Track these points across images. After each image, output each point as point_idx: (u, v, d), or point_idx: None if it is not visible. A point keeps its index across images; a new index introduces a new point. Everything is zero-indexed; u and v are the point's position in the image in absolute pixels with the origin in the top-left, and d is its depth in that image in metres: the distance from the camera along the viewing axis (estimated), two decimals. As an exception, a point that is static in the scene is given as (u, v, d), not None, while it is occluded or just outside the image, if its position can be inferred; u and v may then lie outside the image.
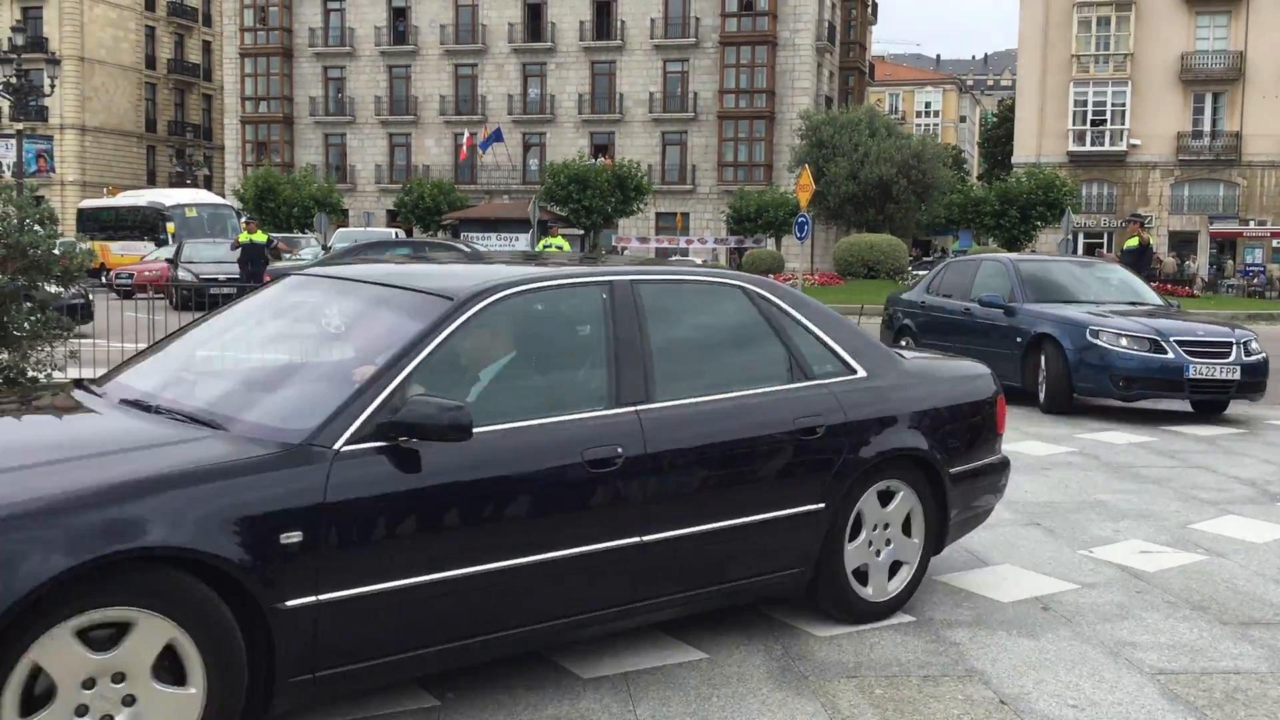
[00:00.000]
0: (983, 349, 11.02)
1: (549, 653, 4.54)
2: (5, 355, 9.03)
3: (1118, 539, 6.49)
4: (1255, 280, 47.70)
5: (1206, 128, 56.09)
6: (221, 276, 25.02)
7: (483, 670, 4.38)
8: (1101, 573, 5.83)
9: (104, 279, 30.23)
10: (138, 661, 3.22)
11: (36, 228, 9.28)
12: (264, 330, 4.78)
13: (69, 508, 3.16)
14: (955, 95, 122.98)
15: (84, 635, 3.15)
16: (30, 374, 9.33)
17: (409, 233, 51.36)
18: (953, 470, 5.17)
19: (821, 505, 4.68)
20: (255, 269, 24.33)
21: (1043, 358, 11.20)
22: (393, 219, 59.19)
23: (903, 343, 13.06)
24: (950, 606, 5.25)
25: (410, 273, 5.00)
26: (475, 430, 3.75)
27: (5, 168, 41.15)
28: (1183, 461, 8.90)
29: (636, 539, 4.17)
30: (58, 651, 3.10)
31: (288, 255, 40.11)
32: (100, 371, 11.87)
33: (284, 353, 4.56)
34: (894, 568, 5.04)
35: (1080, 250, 53.39)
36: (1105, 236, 56.55)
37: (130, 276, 29.73)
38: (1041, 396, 11.27)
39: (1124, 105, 56.17)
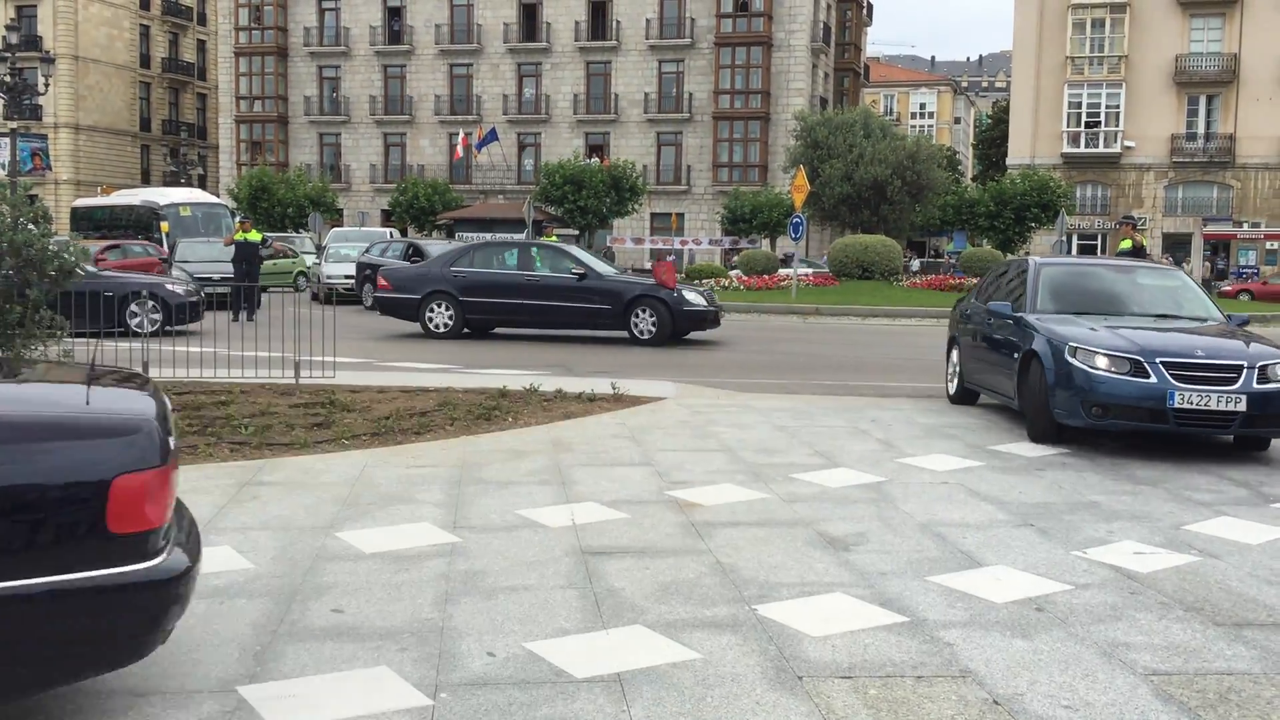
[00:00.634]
0: (996, 367, 10.65)
1: (543, 652, 4.54)
2: (-1, 354, 9.01)
3: (1111, 540, 6.50)
4: (1250, 283, 47.81)
5: (1200, 130, 56.20)
6: (216, 276, 24.99)
7: (476, 669, 4.38)
8: (1095, 573, 5.84)
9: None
10: None
11: (30, 226, 9.27)
12: None
13: None
14: (950, 97, 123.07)
15: None
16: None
17: (404, 232, 51.34)
18: None
19: None
20: (249, 268, 24.31)
21: (1030, 378, 9.70)
22: (387, 219, 59.16)
23: (952, 358, 12.20)
24: (944, 607, 5.26)
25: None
26: None
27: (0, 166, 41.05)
28: (1176, 463, 8.91)
29: None
30: None
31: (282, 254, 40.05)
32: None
33: None
34: None
35: (1074, 251, 53.47)
36: (1099, 238, 56.63)
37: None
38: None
39: (1118, 107, 56.27)
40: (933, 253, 73.43)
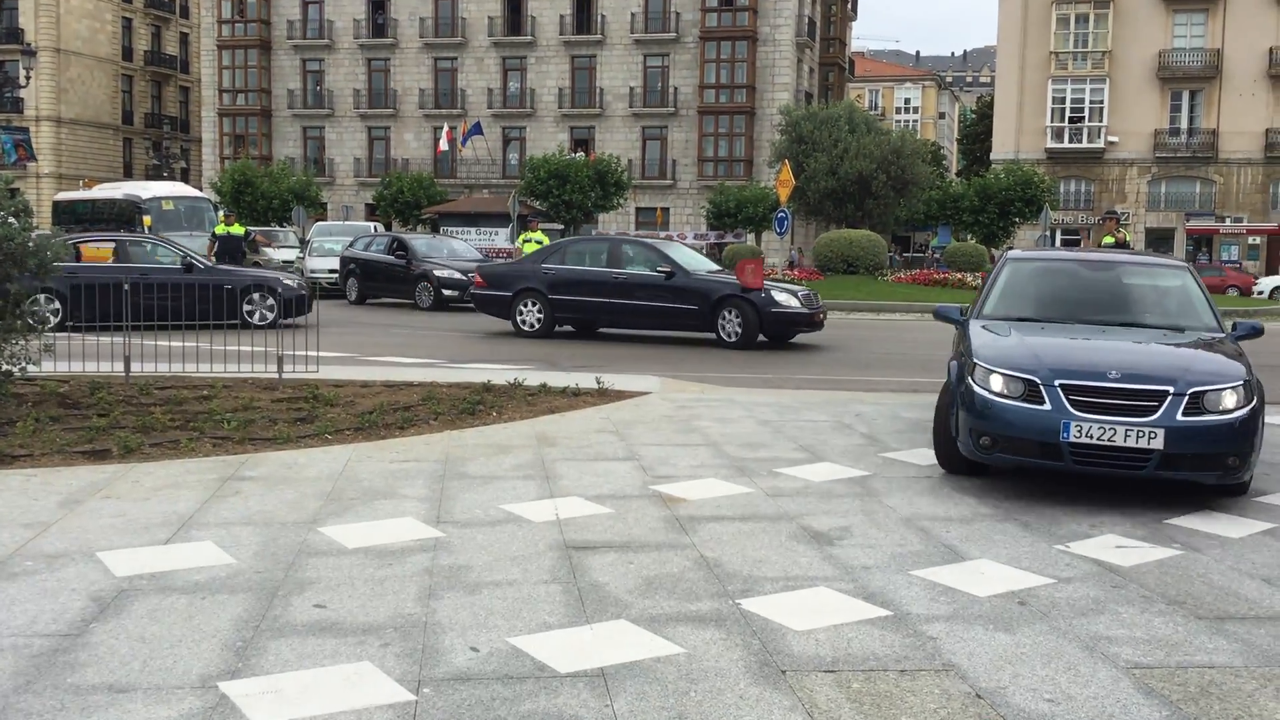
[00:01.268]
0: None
1: (526, 647, 4.53)
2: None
3: (1094, 534, 6.52)
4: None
5: (1184, 125, 56.45)
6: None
7: (459, 665, 4.37)
8: (1077, 567, 5.86)
9: None
10: None
11: (11, 220, 9.21)
12: None
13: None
14: (934, 91, 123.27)
15: None
16: (4, 368, 9.26)
17: (388, 226, 51.17)
18: None
19: None
20: (232, 262, 24.20)
21: (940, 399, 8.29)
22: (371, 212, 58.98)
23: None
24: (927, 601, 5.27)
25: None
26: None
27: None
28: (1159, 457, 8.93)
29: None
30: None
31: (266, 248, 39.92)
32: (75, 366, 11.73)
33: None
34: None
35: (1059, 245, 53.61)
36: (1084, 233, 56.82)
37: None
38: None
39: (1102, 102, 56.46)
40: (918, 247, 73.59)
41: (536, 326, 18.62)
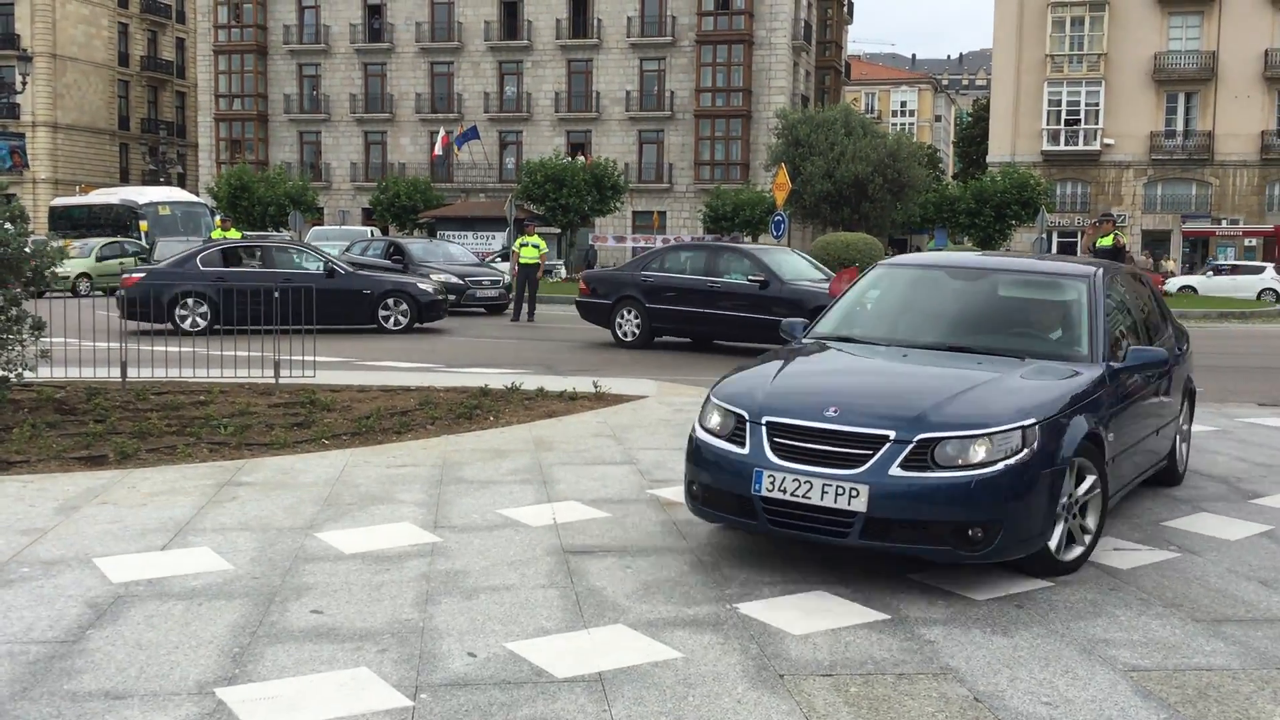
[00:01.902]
0: None
1: (524, 652, 4.53)
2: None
3: (1091, 536, 6.52)
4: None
5: (1179, 127, 56.51)
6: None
7: (457, 670, 4.36)
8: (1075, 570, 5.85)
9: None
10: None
11: (7, 225, 9.21)
12: None
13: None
14: (930, 95, 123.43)
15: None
16: (1, 374, 9.25)
17: (385, 231, 51.18)
18: None
19: None
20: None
21: None
22: (368, 217, 58.98)
23: None
24: (924, 604, 5.26)
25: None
26: None
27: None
28: (1156, 459, 8.94)
29: None
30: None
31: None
32: (72, 371, 11.74)
33: None
34: None
35: (1055, 248, 53.68)
36: (1079, 235, 56.86)
37: None
38: None
39: (1098, 105, 56.53)
40: (914, 250, 73.60)
41: (634, 337, 17.56)
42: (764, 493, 5.48)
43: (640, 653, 4.58)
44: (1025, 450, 5.35)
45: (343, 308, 18.95)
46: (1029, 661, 4.59)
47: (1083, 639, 4.85)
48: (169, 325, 18.57)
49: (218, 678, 4.26)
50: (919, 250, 67.31)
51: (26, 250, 9.21)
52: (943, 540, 5.29)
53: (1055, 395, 5.75)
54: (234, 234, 25.14)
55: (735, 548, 6.13)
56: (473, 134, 57.24)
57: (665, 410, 10.89)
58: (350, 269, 20.36)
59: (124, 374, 11.53)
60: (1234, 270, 42.41)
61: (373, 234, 43.41)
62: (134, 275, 19.51)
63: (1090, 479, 5.87)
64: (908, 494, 5.25)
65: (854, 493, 5.28)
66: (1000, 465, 5.28)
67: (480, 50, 63.58)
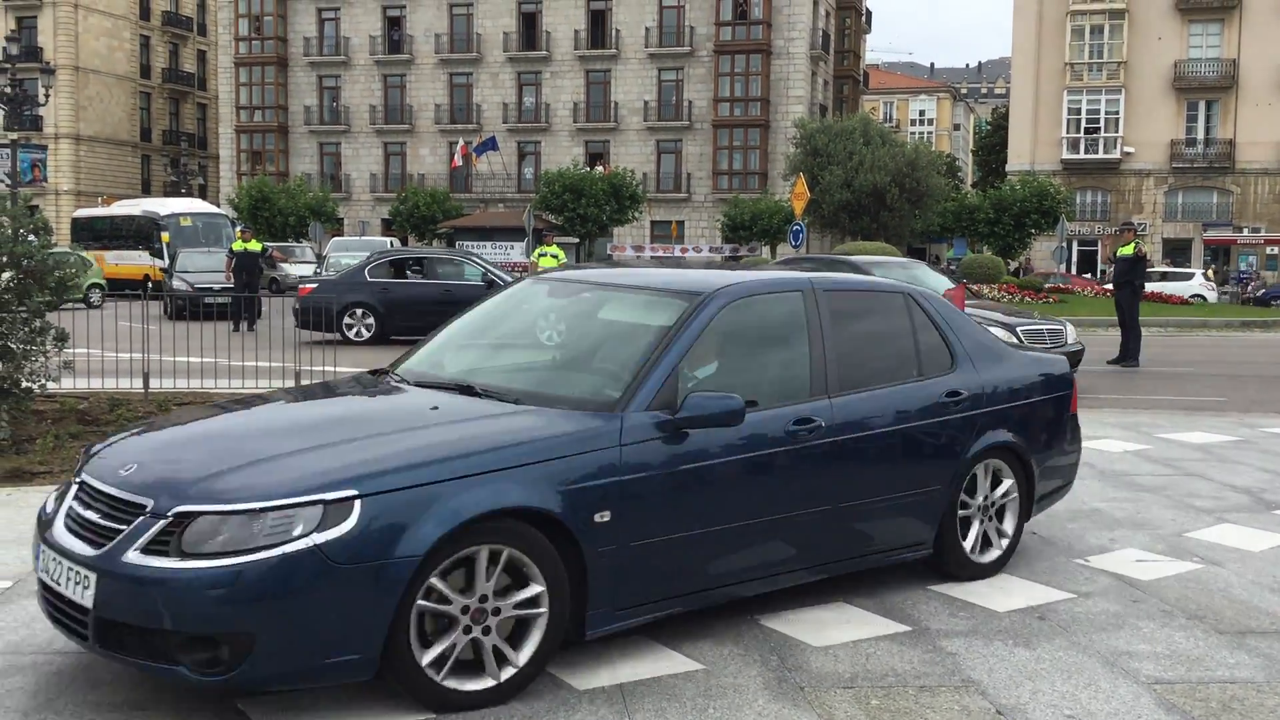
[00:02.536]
0: None
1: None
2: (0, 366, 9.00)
3: (1113, 548, 6.49)
4: (1250, 286, 47.75)
5: (1200, 135, 56.26)
6: (216, 286, 25.00)
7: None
8: (1097, 582, 5.83)
9: None
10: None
11: (31, 238, 9.27)
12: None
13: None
14: (949, 103, 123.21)
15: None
16: (24, 384, 9.31)
17: (404, 242, 51.37)
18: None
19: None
20: (250, 278, 24.33)
21: None
22: (388, 228, 59.20)
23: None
24: (946, 616, 5.25)
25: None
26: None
27: (1, 177, 41.11)
28: (1178, 469, 8.89)
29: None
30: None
31: (284, 264, 40.12)
32: (95, 382, 11.79)
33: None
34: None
35: (1075, 257, 53.39)
36: (1099, 244, 56.68)
37: None
38: None
39: (1118, 113, 56.33)
40: (933, 259, 73.46)
41: None
42: (41, 574, 4.27)
43: (661, 664, 4.58)
44: (322, 533, 3.84)
45: None
46: (1051, 674, 4.57)
47: (1105, 651, 4.83)
48: (338, 335, 19.02)
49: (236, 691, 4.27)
50: (938, 259, 67.20)
51: (50, 262, 9.27)
52: (175, 656, 3.83)
53: (436, 455, 4.18)
54: (255, 245, 25.25)
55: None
56: (491, 144, 57.42)
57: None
58: (507, 282, 19.98)
59: (146, 385, 11.60)
60: (1164, 277, 42.69)
61: (392, 244, 43.58)
62: (308, 285, 19.87)
63: (530, 591, 4.21)
64: (135, 588, 3.85)
65: (85, 582, 3.99)
66: (265, 554, 3.79)
67: (499, 61, 63.80)
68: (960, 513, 5.77)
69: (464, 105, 64.52)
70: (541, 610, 4.23)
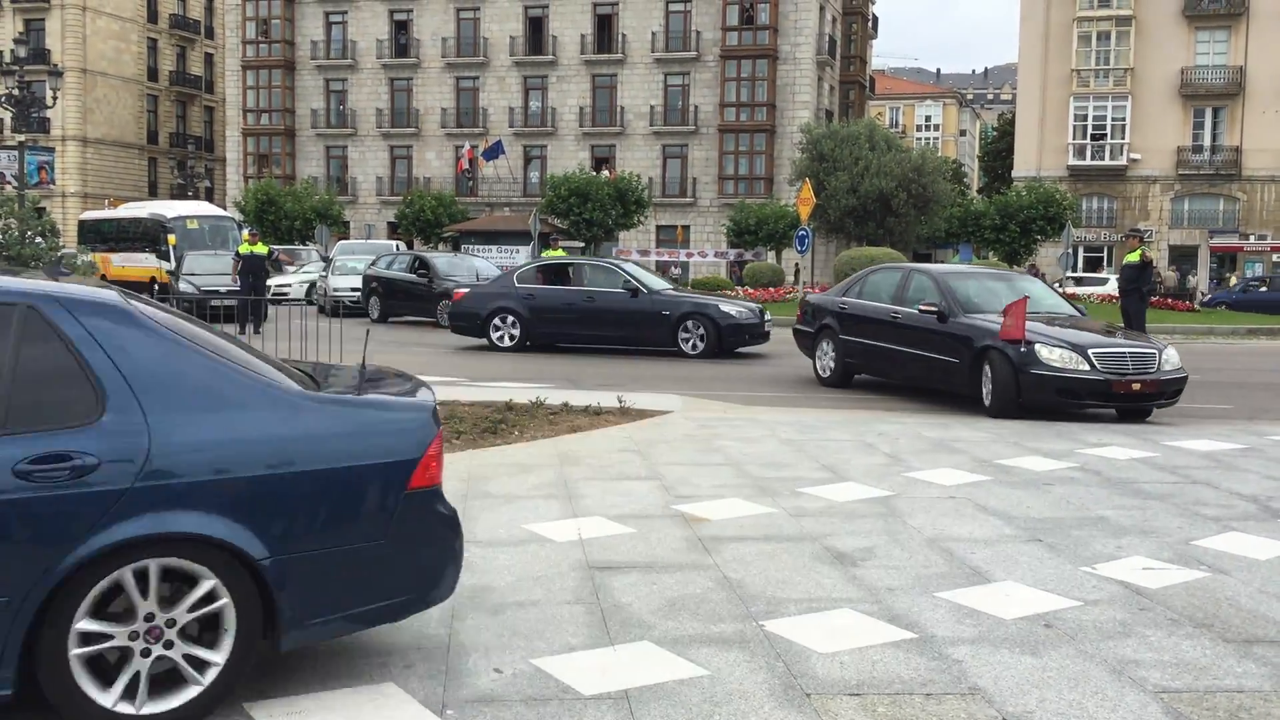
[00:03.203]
0: None
1: (550, 668, 4.53)
2: None
3: (1120, 555, 6.47)
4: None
5: (1206, 142, 56.20)
6: (223, 289, 25.03)
7: (483, 687, 4.36)
8: (1104, 589, 5.81)
9: None
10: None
11: (38, 240, 9.30)
12: None
13: None
14: (955, 109, 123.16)
15: None
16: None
17: (410, 245, 51.35)
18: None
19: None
20: (256, 281, 24.36)
21: None
22: (394, 231, 59.23)
23: None
24: (953, 623, 5.24)
25: None
26: None
27: (9, 179, 41.17)
28: (1185, 477, 8.88)
29: None
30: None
31: (289, 267, 40.15)
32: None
33: None
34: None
35: (1080, 264, 53.30)
36: (1106, 250, 56.60)
37: None
38: None
39: (1124, 119, 56.28)
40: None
41: (828, 374, 14.87)
42: None
43: (666, 670, 4.58)
44: None
45: (642, 329, 18.61)
46: (1058, 682, 4.55)
47: (1112, 659, 4.81)
48: (485, 341, 19.23)
49: (247, 692, 4.27)
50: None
51: (58, 263, 9.31)
52: None
53: None
54: (261, 248, 25.28)
55: (760, 564, 6.12)
56: (498, 148, 57.46)
57: (690, 426, 10.88)
58: (652, 289, 19.15)
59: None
60: (1078, 282, 42.99)
61: (398, 248, 43.59)
62: (461, 290, 19.91)
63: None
64: None
65: None
66: None
67: (506, 65, 63.85)
68: (85, 649, 3.88)
69: (470, 109, 64.57)
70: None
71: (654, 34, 61.62)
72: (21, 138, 34.58)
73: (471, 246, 43.53)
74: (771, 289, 36.33)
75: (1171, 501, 7.96)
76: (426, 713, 4.12)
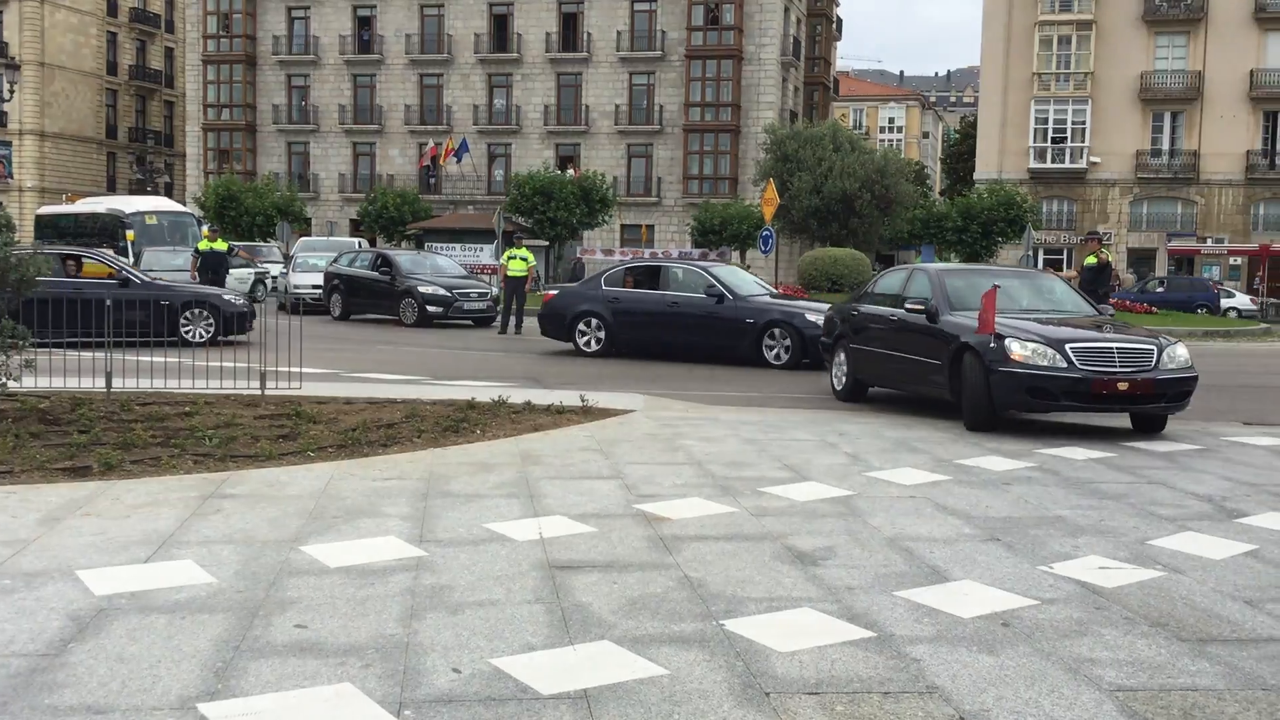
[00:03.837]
0: None
1: (509, 668, 4.51)
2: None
3: (1077, 555, 6.52)
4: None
5: (1165, 146, 56.85)
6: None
7: (441, 686, 4.34)
8: (1061, 588, 5.85)
9: None
10: None
11: (-8, 235, 9.17)
12: None
13: None
14: (918, 111, 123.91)
15: None
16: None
17: (373, 242, 51.08)
18: None
19: None
20: (216, 277, 24.15)
21: None
22: (356, 228, 58.90)
23: None
24: (911, 622, 5.25)
25: None
26: None
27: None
28: (1141, 477, 8.96)
29: None
30: None
31: (244, 261, 39.75)
32: (57, 381, 11.63)
33: None
34: None
35: (1041, 265, 53.77)
36: (1065, 253, 57.11)
37: None
38: None
39: (1084, 123, 56.83)
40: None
41: (840, 387, 13.71)
42: None
43: (626, 669, 4.56)
44: None
45: (724, 338, 17.73)
46: (1015, 681, 4.58)
47: (1069, 658, 4.85)
48: (570, 345, 18.82)
49: (200, 693, 4.23)
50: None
51: (12, 260, 9.17)
52: None
53: None
54: (221, 244, 25.06)
55: (721, 564, 6.12)
56: (464, 148, 57.29)
57: (652, 425, 10.88)
58: (739, 294, 18.07)
59: (109, 384, 11.48)
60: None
61: (360, 245, 43.33)
62: (550, 292, 19.56)
63: None
64: None
65: None
66: None
67: (470, 63, 63.64)
68: None
69: (434, 106, 64.31)
70: None
71: (619, 33, 61.61)
72: (-23, 131, 34.08)
73: (435, 245, 43.36)
74: (780, 287, 36.30)
75: (1128, 501, 8.04)
76: (384, 713, 4.09)
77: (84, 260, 19.57)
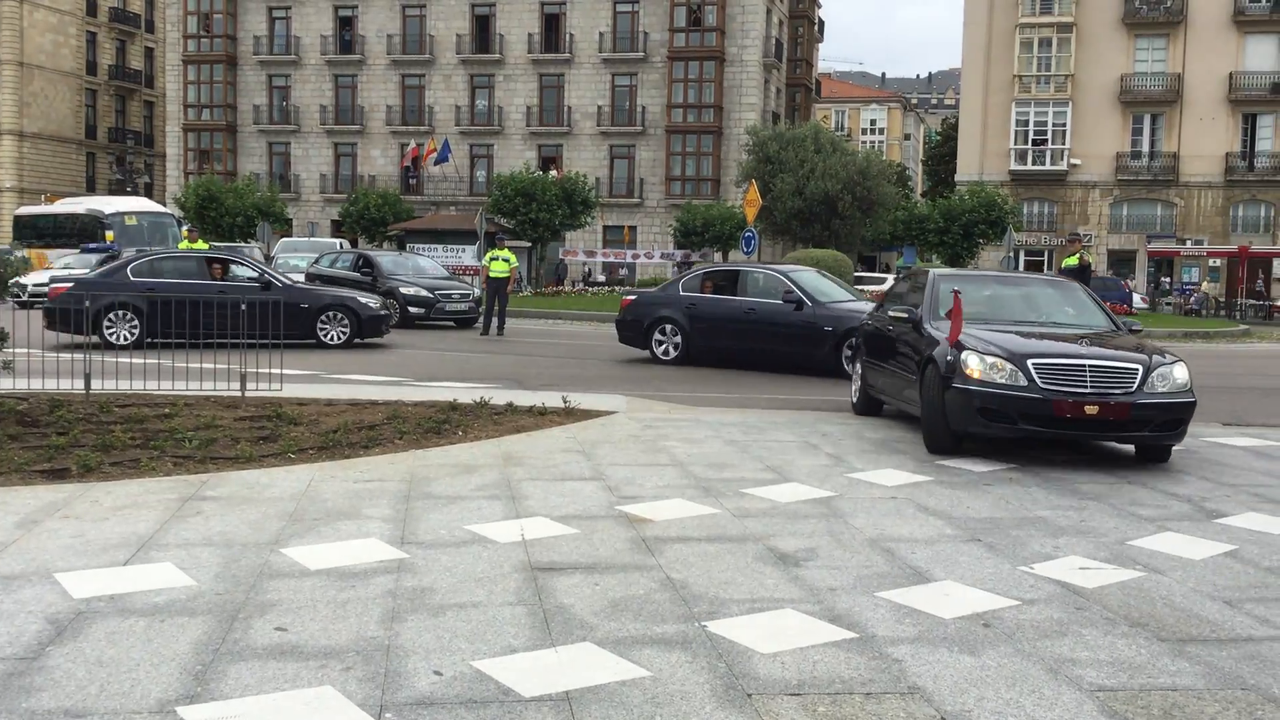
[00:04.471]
0: None
1: (491, 670, 4.50)
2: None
3: (1057, 555, 6.55)
4: (1192, 299, 48.60)
5: (1145, 148, 57.15)
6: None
7: (423, 689, 4.32)
8: (1041, 589, 5.87)
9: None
10: None
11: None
12: None
13: None
14: (900, 113, 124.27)
15: None
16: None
17: (354, 243, 50.95)
18: None
19: None
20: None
21: None
22: (337, 229, 58.73)
23: None
24: (893, 623, 5.26)
25: None
26: None
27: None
28: (1121, 478, 9.00)
29: None
30: None
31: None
32: (35, 383, 11.57)
33: None
34: None
35: (1022, 267, 54.03)
36: (1046, 254, 57.36)
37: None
38: None
39: (1065, 125, 57.08)
40: (883, 268, 74.00)
41: (856, 400, 12.94)
42: None
43: (608, 671, 4.56)
44: None
45: (801, 346, 16.82)
46: (996, 681, 4.59)
47: (1050, 658, 4.86)
48: (647, 353, 18.43)
49: (180, 696, 4.20)
50: (888, 267, 67.71)
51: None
52: None
53: None
54: (201, 245, 24.95)
55: (704, 565, 6.12)
56: (446, 150, 57.19)
57: (635, 426, 10.87)
58: (818, 301, 17.21)
59: (88, 386, 11.41)
60: (858, 280, 44.17)
61: (342, 246, 43.22)
62: (628, 297, 19.32)
63: None
64: None
65: None
66: None
67: (452, 63, 63.54)
68: None
69: (416, 107, 64.20)
70: None
71: (602, 34, 61.61)
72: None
73: (417, 246, 43.26)
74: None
75: (1108, 502, 8.07)
76: (364, 716, 4.07)
77: (229, 265, 19.58)
